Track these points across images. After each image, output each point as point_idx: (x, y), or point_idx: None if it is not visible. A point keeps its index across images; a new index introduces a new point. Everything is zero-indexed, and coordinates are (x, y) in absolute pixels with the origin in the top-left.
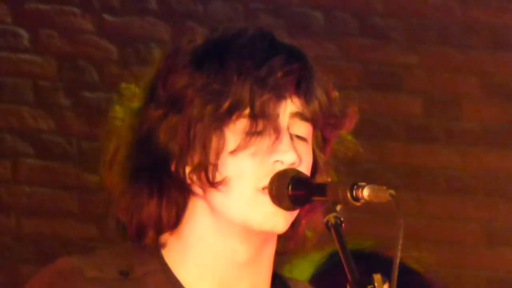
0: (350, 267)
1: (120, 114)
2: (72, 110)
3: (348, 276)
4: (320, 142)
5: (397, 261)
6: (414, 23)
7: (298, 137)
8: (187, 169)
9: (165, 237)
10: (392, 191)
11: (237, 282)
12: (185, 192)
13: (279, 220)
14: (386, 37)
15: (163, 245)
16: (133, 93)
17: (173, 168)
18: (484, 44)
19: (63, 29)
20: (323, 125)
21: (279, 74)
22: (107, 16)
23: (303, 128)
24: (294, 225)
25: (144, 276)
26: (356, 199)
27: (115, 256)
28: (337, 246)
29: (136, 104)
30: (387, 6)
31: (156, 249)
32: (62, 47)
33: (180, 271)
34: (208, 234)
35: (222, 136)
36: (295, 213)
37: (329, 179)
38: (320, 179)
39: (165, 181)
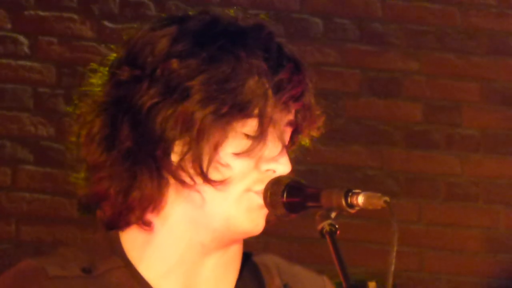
0: (344, 274)
1: (99, 81)
2: (72, 116)
3: (343, 283)
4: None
5: (392, 268)
6: (414, 29)
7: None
8: (177, 157)
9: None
10: (386, 198)
11: (202, 277)
12: (172, 178)
13: (261, 220)
14: (385, 43)
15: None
16: (117, 61)
17: (160, 152)
18: (484, 50)
19: (63, 36)
20: (300, 129)
21: (290, 85)
22: (106, 23)
23: (288, 135)
24: None
25: (107, 272)
26: (351, 206)
27: (77, 254)
28: (332, 253)
29: (119, 73)
30: (387, 12)
31: (118, 246)
32: (61, 54)
33: (143, 266)
34: (180, 224)
35: (224, 134)
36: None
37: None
38: None
39: (161, 165)
